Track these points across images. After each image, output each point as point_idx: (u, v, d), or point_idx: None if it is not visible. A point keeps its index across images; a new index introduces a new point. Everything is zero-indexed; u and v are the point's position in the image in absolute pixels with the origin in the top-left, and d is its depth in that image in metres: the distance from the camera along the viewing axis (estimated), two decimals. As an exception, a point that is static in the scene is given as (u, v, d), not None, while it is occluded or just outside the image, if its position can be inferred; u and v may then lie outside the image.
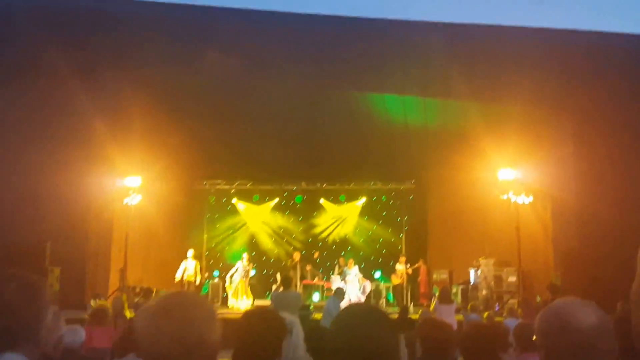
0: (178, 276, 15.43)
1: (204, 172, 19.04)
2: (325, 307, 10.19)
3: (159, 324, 1.50)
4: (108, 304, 10.78)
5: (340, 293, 10.43)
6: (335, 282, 15.85)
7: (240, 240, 20.17)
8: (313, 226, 20.34)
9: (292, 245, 19.96)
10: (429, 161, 17.23)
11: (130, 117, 13.43)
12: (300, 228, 20.38)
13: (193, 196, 19.50)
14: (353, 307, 1.80)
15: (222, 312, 9.69)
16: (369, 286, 16.32)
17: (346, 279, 16.18)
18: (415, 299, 17.37)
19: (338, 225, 20.41)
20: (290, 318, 3.44)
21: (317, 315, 12.67)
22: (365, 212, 20.37)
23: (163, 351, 1.48)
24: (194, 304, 1.56)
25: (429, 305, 13.32)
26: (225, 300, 16.24)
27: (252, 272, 16.68)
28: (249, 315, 2.70)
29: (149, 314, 1.53)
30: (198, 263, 16.13)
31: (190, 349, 1.49)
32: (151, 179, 15.53)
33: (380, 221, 20.33)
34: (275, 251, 20.28)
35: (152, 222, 16.38)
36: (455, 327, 9.46)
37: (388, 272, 18.08)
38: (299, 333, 3.61)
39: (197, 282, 15.99)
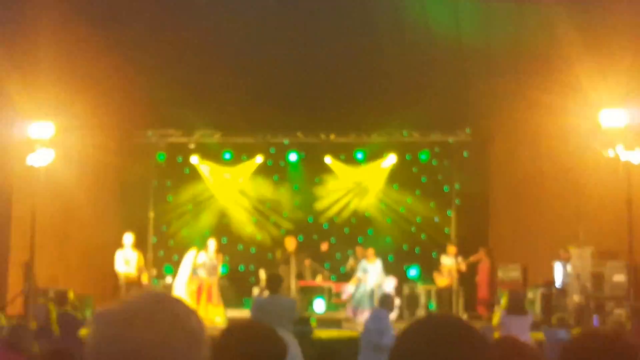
0: (121, 270, 15.87)
1: (148, 118, 19.20)
2: (370, 326, 10.24)
3: (118, 341, 1.56)
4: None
5: (387, 302, 10.74)
6: (348, 287, 16.46)
7: (205, 219, 20.42)
8: (315, 199, 20.66)
9: (282, 228, 20.22)
10: (492, 100, 17.38)
11: (37, 33, 13.47)
12: (296, 201, 20.70)
13: (132, 153, 19.51)
14: (429, 322, 1.85)
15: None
16: (391, 284, 16.73)
17: (365, 276, 16.68)
18: (470, 308, 17.72)
19: (353, 197, 20.72)
20: (283, 336, 3.53)
21: (322, 333, 13.34)
22: (395, 177, 20.56)
23: None
24: (174, 314, 1.62)
25: (490, 319, 13.41)
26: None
27: (223, 269, 17.04)
28: (231, 332, 2.87)
29: (107, 326, 1.59)
30: (141, 255, 16.37)
31: None
32: (69, 128, 15.55)
33: (418, 191, 20.60)
34: (258, 237, 20.53)
35: (70, 192, 16.51)
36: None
37: (429, 268, 18.43)
38: (293, 353, 3.86)
39: (144, 281, 16.23)
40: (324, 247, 17.98)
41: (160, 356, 1.55)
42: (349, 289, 16.78)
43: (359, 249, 17.67)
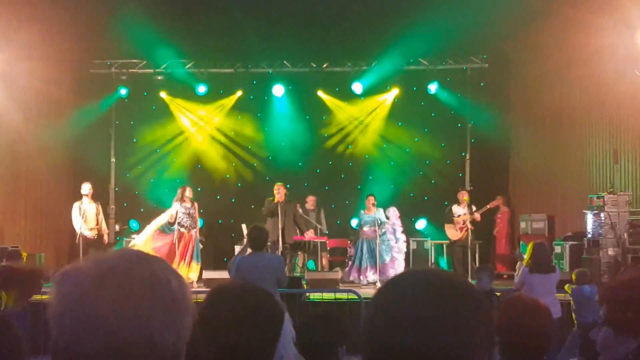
0: (79, 229, 15.86)
1: (108, 46, 19.10)
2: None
3: (85, 305, 1.55)
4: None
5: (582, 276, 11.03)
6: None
7: (176, 165, 20.52)
8: (305, 139, 20.63)
9: (267, 175, 20.09)
10: (513, 19, 17.21)
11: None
12: (283, 143, 20.67)
13: (89, 88, 19.52)
14: (409, 276, 1.77)
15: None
16: (384, 216, 16.92)
17: (363, 229, 16.96)
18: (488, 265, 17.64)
19: (350, 137, 20.82)
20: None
21: (314, 296, 13.56)
22: (398, 113, 20.52)
23: (86, 353, 1.54)
24: (151, 276, 1.61)
25: (511, 277, 13.73)
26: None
27: (200, 222, 16.98)
28: (218, 296, 2.88)
29: (73, 288, 1.58)
30: (99, 207, 16.49)
31: (131, 351, 1.55)
32: (14, 59, 15.59)
33: (426, 129, 20.46)
34: (239, 184, 20.63)
35: (16, 134, 16.55)
36: (558, 313, 9.76)
37: (439, 219, 18.16)
38: (286, 321, 3.70)
39: (105, 240, 16.36)
40: (310, 201, 18.15)
41: (135, 323, 1.55)
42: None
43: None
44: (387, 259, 16.65)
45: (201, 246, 16.45)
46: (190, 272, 15.80)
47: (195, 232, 16.16)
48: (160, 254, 14.55)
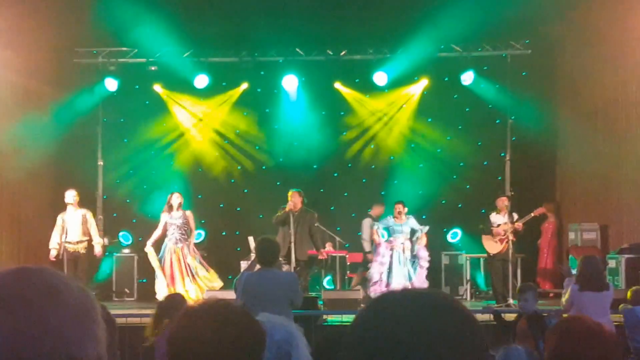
0: (55, 244, 15.61)
1: (92, 30, 18.89)
2: None
3: None
4: None
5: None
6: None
7: (173, 169, 20.39)
8: (321, 138, 20.46)
9: (279, 179, 19.90)
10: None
11: None
12: (295, 142, 20.53)
13: (73, 80, 19.44)
14: (389, 297, 1.87)
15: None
16: (417, 224, 16.70)
17: (391, 240, 16.59)
18: (530, 282, 17.19)
19: (373, 135, 20.84)
20: (283, 324, 3.75)
21: (332, 319, 13.83)
22: (427, 107, 20.45)
23: None
24: (48, 289, 1.65)
25: (558, 296, 13.82)
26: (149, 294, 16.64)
27: (199, 235, 17.11)
28: (189, 319, 2.87)
29: None
30: (90, 215, 16.20)
31: None
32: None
33: (460, 125, 20.41)
34: (245, 189, 20.55)
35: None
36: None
37: (475, 229, 17.82)
38: (301, 347, 3.83)
39: (97, 252, 16.19)
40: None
41: (46, 339, 1.57)
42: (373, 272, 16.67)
43: (376, 207, 17.53)
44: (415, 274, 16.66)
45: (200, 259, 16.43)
46: (200, 286, 15.93)
47: (185, 245, 16.14)
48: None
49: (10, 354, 1.56)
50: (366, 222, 17.35)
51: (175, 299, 8.97)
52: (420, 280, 16.38)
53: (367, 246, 17.04)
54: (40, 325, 1.58)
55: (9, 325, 1.57)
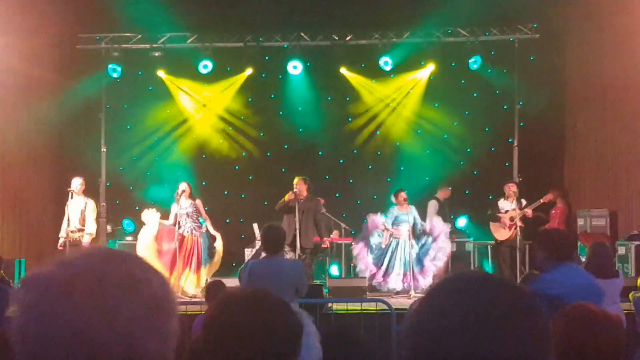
0: (63, 232, 15.60)
1: (95, 15, 18.89)
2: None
3: (54, 319, 1.59)
4: None
5: None
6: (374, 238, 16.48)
7: (177, 155, 20.52)
8: (326, 123, 20.72)
9: (284, 166, 19.92)
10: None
11: None
12: (301, 128, 20.62)
13: (75, 66, 19.43)
14: (455, 281, 1.87)
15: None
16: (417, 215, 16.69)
17: (399, 229, 16.52)
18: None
19: (379, 121, 20.83)
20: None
21: (337, 307, 13.81)
22: (434, 92, 20.48)
23: None
24: (129, 278, 1.66)
25: None
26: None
27: (202, 222, 16.78)
28: (229, 302, 2.88)
29: (38, 297, 1.62)
30: (92, 205, 16.04)
31: None
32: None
33: (467, 111, 20.43)
34: (250, 176, 20.58)
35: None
36: (624, 324, 9.89)
37: (483, 216, 17.99)
38: (311, 336, 4.03)
39: (85, 242, 15.72)
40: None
41: (111, 334, 1.58)
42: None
43: (444, 191, 17.72)
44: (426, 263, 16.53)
45: (215, 247, 16.26)
46: (200, 279, 15.95)
47: (201, 233, 16.16)
48: (164, 262, 15.70)
49: (68, 340, 1.55)
50: (432, 204, 17.52)
51: (217, 285, 9.25)
52: (427, 271, 16.20)
53: (427, 227, 16.84)
54: (108, 317, 1.58)
55: (76, 311, 1.57)
